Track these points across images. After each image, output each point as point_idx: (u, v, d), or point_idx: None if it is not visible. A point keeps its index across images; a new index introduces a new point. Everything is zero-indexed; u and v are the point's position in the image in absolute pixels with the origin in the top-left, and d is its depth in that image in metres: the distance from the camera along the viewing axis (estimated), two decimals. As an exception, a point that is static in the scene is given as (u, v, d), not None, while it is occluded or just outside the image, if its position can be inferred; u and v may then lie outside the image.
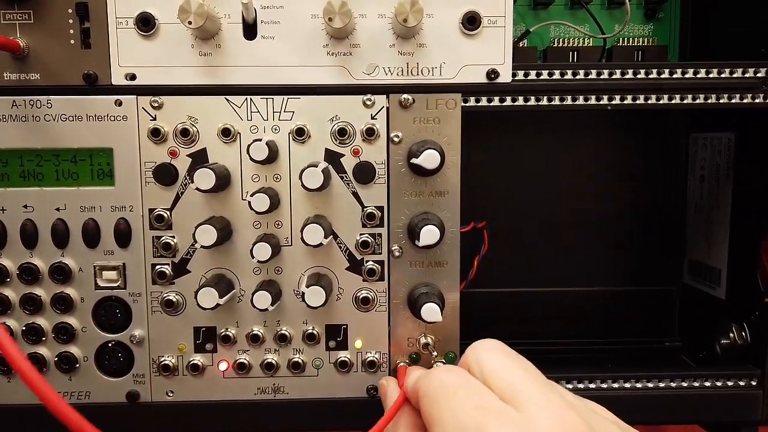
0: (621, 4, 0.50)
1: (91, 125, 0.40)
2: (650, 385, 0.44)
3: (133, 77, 0.40)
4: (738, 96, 0.42)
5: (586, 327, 0.56)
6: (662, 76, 0.41)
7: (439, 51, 0.40)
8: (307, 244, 0.38)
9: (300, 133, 0.40)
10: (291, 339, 0.42)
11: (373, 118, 0.40)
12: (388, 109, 0.40)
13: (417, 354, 0.42)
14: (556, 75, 0.41)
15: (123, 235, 0.41)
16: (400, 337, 0.42)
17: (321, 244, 0.38)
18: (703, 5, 0.51)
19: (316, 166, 0.38)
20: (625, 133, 0.54)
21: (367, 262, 0.42)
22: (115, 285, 0.41)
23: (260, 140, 0.38)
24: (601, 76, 0.41)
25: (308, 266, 0.41)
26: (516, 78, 0.41)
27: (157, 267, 0.41)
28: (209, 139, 0.40)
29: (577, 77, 0.41)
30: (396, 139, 0.41)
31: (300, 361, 0.42)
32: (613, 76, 0.41)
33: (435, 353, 0.42)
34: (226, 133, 0.40)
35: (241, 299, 0.41)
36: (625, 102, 0.42)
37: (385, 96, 0.40)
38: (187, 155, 0.40)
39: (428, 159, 0.38)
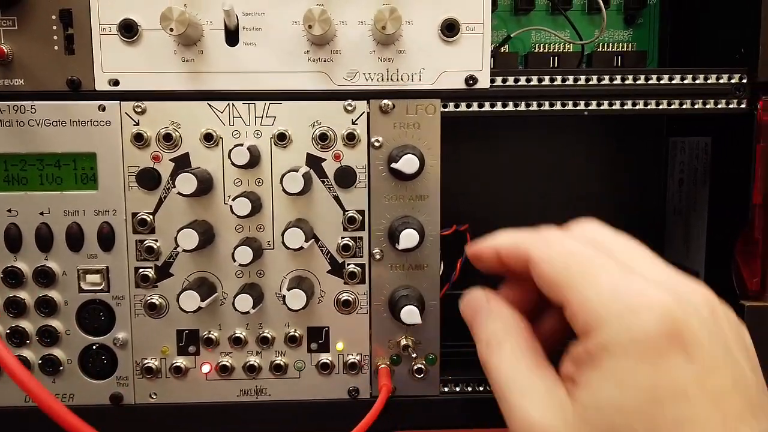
0: (601, 10, 0.51)
1: (74, 130, 0.41)
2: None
3: (116, 83, 0.40)
4: (712, 101, 0.43)
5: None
6: (638, 82, 0.42)
7: (419, 57, 0.41)
8: (288, 248, 0.39)
9: (282, 138, 0.41)
10: (273, 341, 0.43)
11: (353, 123, 0.41)
12: (368, 114, 0.41)
13: (398, 356, 0.43)
14: (534, 81, 0.42)
15: (106, 238, 0.41)
16: (381, 339, 0.43)
17: (302, 247, 0.39)
18: (682, 11, 0.52)
19: (297, 171, 0.39)
20: (605, 137, 0.55)
21: (348, 265, 0.42)
22: (99, 288, 0.42)
23: (242, 145, 0.39)
24: (578, 82, 0.42)
25: (290, 269, 0.42)
26: (494, 84, 0.41)
27: (140, 270, 0.41)
28: (192, 144, 0.41)
29: (555, 83, 0.42)
30: (377, 144, 0.41)
31: (282, 363, 0.43)
32: (590, 82, 0.42)
33: (415, 355, 0.43)
34: (208, 138, 0.40)
35: (224, 302, 0.42)
36: (602, 108, 0.42)
37: (365, 101, 0.41)
38: (169, 160, 0.41)
39: (407, 164, 0.39)
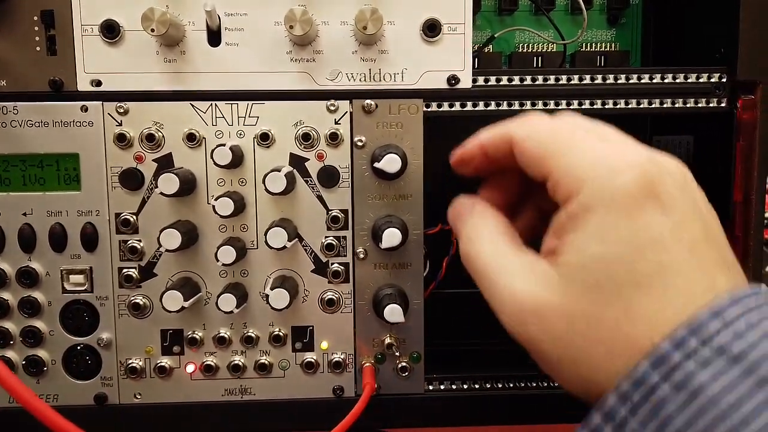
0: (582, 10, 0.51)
1: (57, 131, 0.41)
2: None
3: (98, 83, 0.40)
4: (693, 101, 0.43)
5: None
6: (620, 82, 0.43)
7: (401, 57, 0.41)
8: (271, 247, 0.39)
9: (265, 138, 0.41)
10: (257, 341, 0.43)
11: (336, 123, 0.41)
12: (351, 114, 0.41)
13: (382, 354, 0.43)
14: (516, 80, 0.42)
15: (90, 239, 0.41)
16: (366, 338, 0.43)
17: (285, 246, 0.39)
18: (664, 11, 0.53)
19: (280, 171, 0.39)
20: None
21: (332, 264, 0.42)
22: (82, 289, 0.42)
23: (224, 145, 0.39)
24: (560, 82, 0.42)
25: (274, 269, 0.42)
26: (476, 84, 0.42)
27: (124, 271, 0.41)
28: (175, 144, 0.41)
29: (537, 83, 0.42)
30: (359, 144, 0.41)
31: (266, 362, 0.43)
32: (572, 82, 0.42)
33: (398, 353, 0.43)
34: (191, 138, 0.40)
35: (208, 302, 0.42)
36: (584, 107, 0.43)
37: (348, 101, 0.41)
38: (152, 160, 0.41)
39: (389, 163, 0.39)
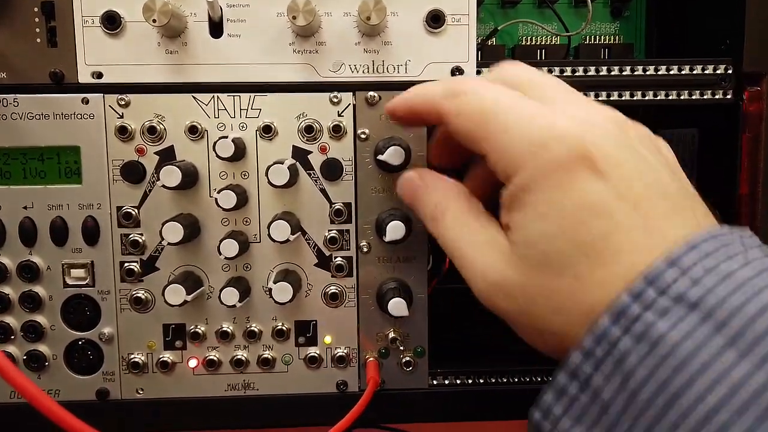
0: (587, 2, 0.51)
1: (58, 123, 0.40)
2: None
3: (99, 75, 0.40)
4: (698, 92, 0.43)
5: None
6: (624, 73, 0.42)
7: (405, 49, 0.40)
8: (274, 241, 0.39)
9: (267, 131, 0.40)
10: (260, 335, 0.42)
11: (339, 115, 0.41)
12: (354, 106, 0.41)
13: (386, 349, 0.43)
14: (520, 72, 0.42)
15: (91, 233, 0.41)
16: (369, 333, 0.43)
17: (288, 240, 0.39)
18: (669, 3, 0.52)
19: (282, 163, 0.38)
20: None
21: (335, 258, 0.42)
22: (84, 283, 0.41)
23: (226, 137, 0.38)
24: (565, 73, 0.42)
25: (277, 263, 0.42)
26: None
27: (126, 264, 0.41)
28: (176, 137, 0.40)
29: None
30: (363, 136, 0.41)
31: (270, 357, 0.42)
32: (577, 73, 0.42)
33: (402, 348, 0.43)
34: (193, 130, 0.40)
35: (210, 296, 0.42)
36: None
37: (351, 93, 0.41)
38: (154, 153, 0.40)
39: (393, 155, 0.39)
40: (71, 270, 0.41)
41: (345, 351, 0.43)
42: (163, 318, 0.42)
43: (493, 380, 0.44)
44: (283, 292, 0.39)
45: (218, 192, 0.39)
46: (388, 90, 0.41)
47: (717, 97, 0.43)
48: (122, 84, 0.40)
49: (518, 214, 0.29)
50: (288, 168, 0.38)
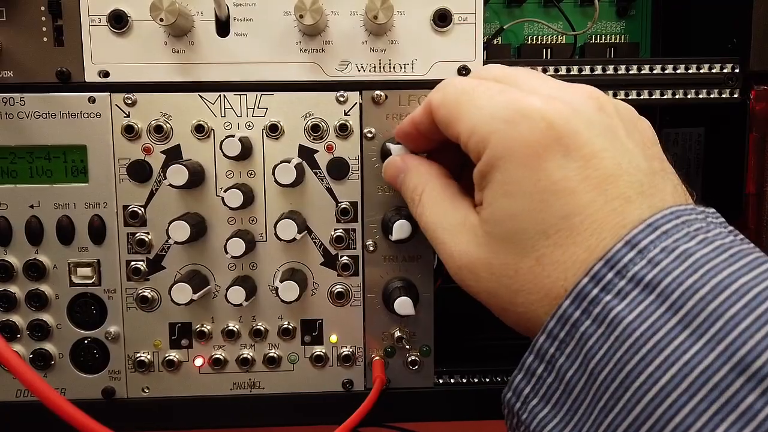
0: (593, 1, 0.51)
1: (64, 122, 0.40)
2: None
3: (106, 74, 0.40)
4: (705, 91, 0.43)
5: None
6: (631, 72, 0.42)
7: (411, 48, 0.40)
8: (280, 240, 0.39)
9: (274, 130, 0.40)
10: (266, 334, 0.42)
11: (346, 114, 0.41)
12: (361, 105, 0.41)
13: (392, 348, 0.43)
14: (527, 71, 0.41)
15: (97, 231, 0.41)
16: (375, 331, 0.43)
17: (294, 239, 0.39)
18: (674, 3, 0.52)
19: (289, 162, 0.38)
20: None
21: (341, 257, 0.42)
22: (90, 282, 0.41)
23: (233, 136, 0.38)
24: (571, 72, 0.42)
25: (283, 261, 0.42)
26: (487, 74, 0.41)
27: (132, 263, 0.41)
28: (183, 136, 0.40)
29: (547, 74, 0.42)
30: (369, 135, 0.41)
31: (275, 356, 0.42)
32: (583, 72, 0.42)
33: (409, 346, 0.42)
34: (199, 129, 0.40)
35: (216, 295, 0.42)
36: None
37: (357, 92, 0.41)
38: (161, 152, 0.40)
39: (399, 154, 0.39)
40: (77, 269, 0.41)
41: (351, 350, 0.43)
42: (169, 317, 0.42)
43: (499, 379, 0.44)
44: (289, 290, 0.39)
45: (225, 191, 0.39)
46: (395, 89, 0.41)
47: (724, 96, 0.43)
48: (129, 83, 0.40)
49: (487, 192, 0.29)
50: (294, 167, 0.38)
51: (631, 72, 0.42)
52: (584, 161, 0.27)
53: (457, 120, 0.30)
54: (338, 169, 0.41)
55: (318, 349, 0.43)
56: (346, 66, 0.40)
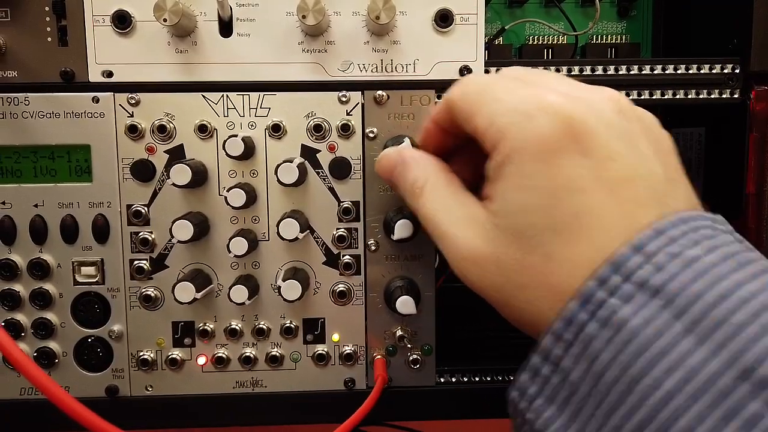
0: (594, 2, 0.51)
1: (68, 122, 0.40)
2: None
3: (110, 74, 0.40)
4: (706, 92, 0.43)
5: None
6: (632, 72, 0.42)
7: (413, 48, 0.41)
8: (283, 239, 0.39)
9: (276, 129, 0.41)
10: (269, 333, 0.42)
11: (348, 114, 0.41)
12: (363, 105, 0.41)
13: (394, 347, 0.43)
14: (528, 71, 0.42)
15: (101, 231, 0.41)
16: (377, 330, 0.43)
17: (297, 238, 0.39)
18: (675, 3, 0.52)
19: (292, 162, 0.39)
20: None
21: (343, 256, 0.42)
22: (94, 280, 0.42)
23: (236, 136, 0.39)
24: (572, 73, 0.42)
25: (285, 261, 0.42)
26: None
27: (135, 262, 0.41)
28: (186, 136, 0.41)
29: (549, 73, 0.42)
30: (371, 135, 0.41)
31: (278, 354, 0.43)
32: (584, 72, 0.42)
33: (410, 345, 0.43)
34: (202, 129, 0.40)
35: (219, 294, 0.42)
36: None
37: (359, 92, 0.41)
38: (164, 151, 0.41)
39: (402, 154, 0.39)
40: (81, 268, 0.41)
41: (353, 349, 0.43)
42: (172, 315, 0.42)
43: (501, 378, 0.45)
44: (291, 289, 0.40)
45: (227, 190, 0.39)
46: (397, 89, 0.41)
47: (724, 96, 0.43)
48: (132, 83, 0.40)
49: (500, 184, 0.29)
50: (297, 166, 0.39)
51: (632, 72, 0.42)
52: (599, 162, 0.27)
53: (477, 112, 0.30)
54: (340, 168, 0.41)
55: (320, 348, 0.43)
56: (348, 66, 0.41)
